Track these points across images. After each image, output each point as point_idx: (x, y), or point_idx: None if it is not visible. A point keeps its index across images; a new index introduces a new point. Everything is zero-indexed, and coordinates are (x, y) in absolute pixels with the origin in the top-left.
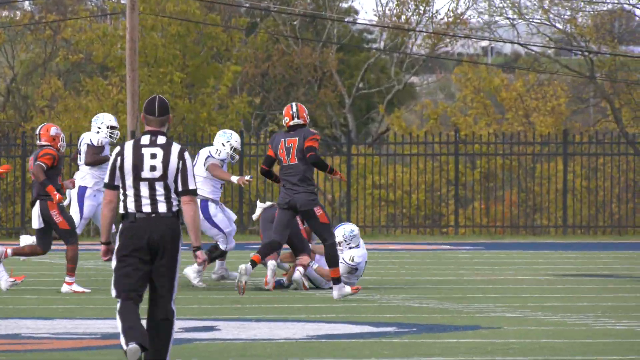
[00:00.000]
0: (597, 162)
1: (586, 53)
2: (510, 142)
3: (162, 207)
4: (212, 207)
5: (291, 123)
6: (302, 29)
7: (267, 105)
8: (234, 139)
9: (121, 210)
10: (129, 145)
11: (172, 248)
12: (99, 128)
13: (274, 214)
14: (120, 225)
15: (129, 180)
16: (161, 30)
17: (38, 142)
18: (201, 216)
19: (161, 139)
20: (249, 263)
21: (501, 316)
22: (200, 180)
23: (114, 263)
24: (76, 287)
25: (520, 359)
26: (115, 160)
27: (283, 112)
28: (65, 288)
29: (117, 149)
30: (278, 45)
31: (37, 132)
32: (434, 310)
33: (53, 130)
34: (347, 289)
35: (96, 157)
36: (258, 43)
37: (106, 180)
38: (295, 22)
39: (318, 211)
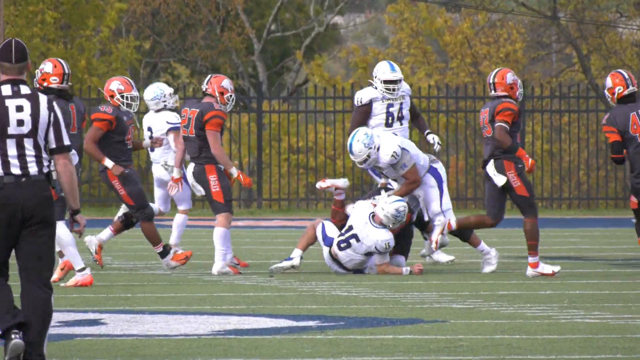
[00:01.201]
0: (561, 121)
1: None
2: (455, 97)
3: (33, 169)
4: None
5: (625, 92)
6: None
7: (159, 51)
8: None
9: None
10: None
11: (48, 215)
12: (374, 82)
13: None
14: None
15: None
16: None
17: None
18: None
19: (25, 89)
20: None
21: (447, 307)
22: None
23: None
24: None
25: (470, 358)
26: None
27: (608, 82)
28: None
29: None
30: None
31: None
32: (366, 300)
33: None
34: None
35: (357, 118)
36: None
37: None
38: None
39: None
